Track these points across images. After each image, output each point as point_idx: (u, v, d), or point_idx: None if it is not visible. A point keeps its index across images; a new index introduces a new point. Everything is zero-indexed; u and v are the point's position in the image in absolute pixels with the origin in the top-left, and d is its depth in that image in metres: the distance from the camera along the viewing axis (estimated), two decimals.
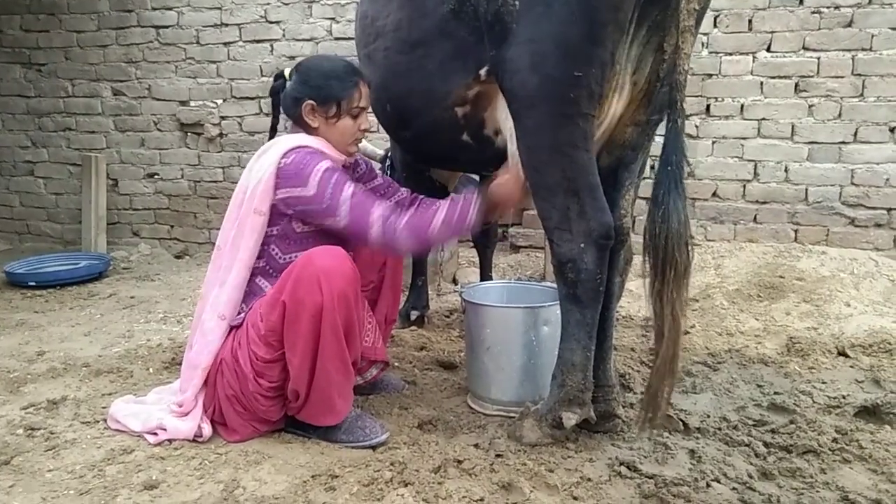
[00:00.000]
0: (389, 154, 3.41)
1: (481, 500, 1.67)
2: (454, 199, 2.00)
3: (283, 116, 2.21)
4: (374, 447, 1.98)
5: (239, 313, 2.03)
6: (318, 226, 2.00)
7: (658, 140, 1.98)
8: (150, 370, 2.65)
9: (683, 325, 1.82)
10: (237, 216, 2.02)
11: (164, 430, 2.00)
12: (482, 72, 2.00)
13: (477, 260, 3.59)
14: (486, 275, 3.51)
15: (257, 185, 1.97)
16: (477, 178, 3.42)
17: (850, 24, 3.71)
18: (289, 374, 1.93)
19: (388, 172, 3.41)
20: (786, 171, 3.92)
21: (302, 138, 2.06)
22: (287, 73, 2.15)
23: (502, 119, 2.04)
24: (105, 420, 2.15)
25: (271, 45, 4.72)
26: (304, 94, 2.06)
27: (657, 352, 1.80)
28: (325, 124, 2.09)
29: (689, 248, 1.77)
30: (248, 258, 2.01)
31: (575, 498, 1.71)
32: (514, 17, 1.81)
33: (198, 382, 2.02)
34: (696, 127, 4.02)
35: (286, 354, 1.91)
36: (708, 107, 4.00)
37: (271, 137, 2.22)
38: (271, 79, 4.66)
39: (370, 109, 2.21)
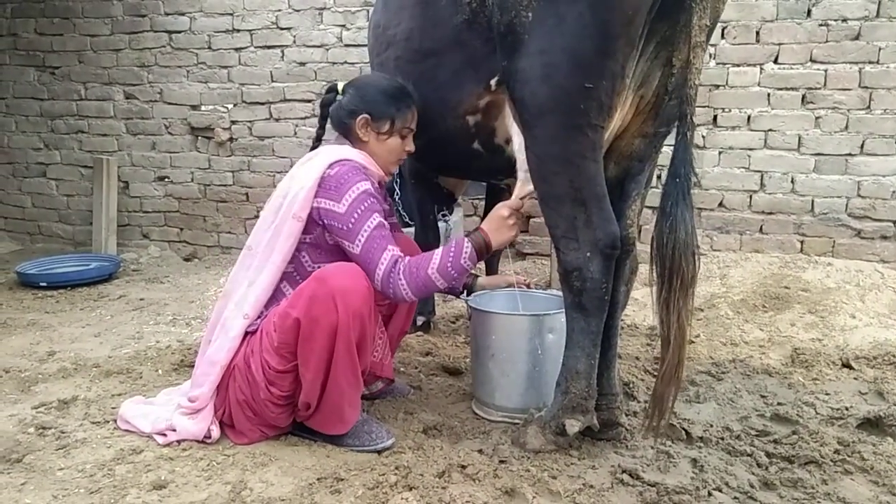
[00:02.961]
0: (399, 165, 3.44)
1: None
2: (447, 246, 2.01)
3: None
4: (379, 451, 2.00)
5: (258, 318, 2.05)
6: (337, 244, 2.02)
7: (665, 151, 2.01)
8: (160, 372, 2.68)
9: (689, 333, 1.84)
10: (274, 219, 2.05)
11: (174, 430, 2.03)
12: (493, 81, 2.03)
13: (483, 266, 3.61)
14: None
15: (300, 191, 2.00)
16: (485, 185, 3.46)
17: (857, 37, 3.72)
18: (300, 384, 1.95)
19: (398, 181, 3.44)
20: (792, 182, 3.92)
21: (348, 151, 2.10)
22: (340, 87, 2.20)
23: (515, 128, 2.06)
24: (115, 420, 2.18)
25: (282, 52, 4.76)
26: (361, 107, 2.12)
27: (663, 358, 1.82)
28: (375, 140, 2.14)
29: (696, 257, 1.79)
30: (281, 261, 2.03)
31: None
32: (526, 29, 1.84)
33: (214, 379, 2.04)
34: (703, 137, 4.03)
35: (299, 368, 1.93)
36: (715, 117, 4.01)
37: (314, 147, 2.25)
38: (281, 84, 4.73)
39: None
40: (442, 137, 2.29)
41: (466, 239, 2.00)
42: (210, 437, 2.03)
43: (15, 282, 4.20)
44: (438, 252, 1.98)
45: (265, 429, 2.05)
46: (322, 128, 2.31)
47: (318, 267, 2.02)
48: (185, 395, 2.12)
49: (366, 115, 2.11)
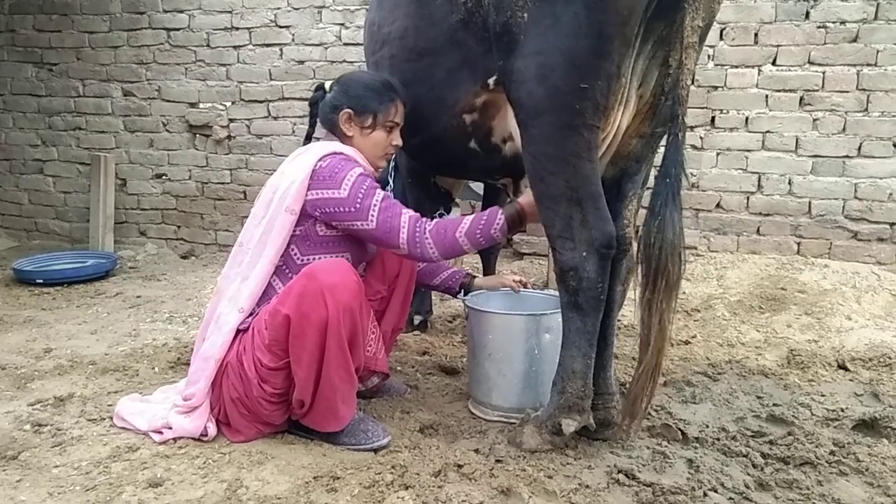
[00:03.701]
0: (395, 158, 3.44)
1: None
2: (478, 213, 2.04)
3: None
4: (375, 450, 2.00)
5: (251, 315, 2.05)
6: (346, 230, 2.04)
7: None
8: (156, 369, 2.68)
9: (669, 335, 1.84)
10: (265, 214, 2.06)
11: (170, 428, 2.03)
12: (490, 81, 2.03)
13: (480, 266, 3.61)
14: None
15: (291, 185, 2.01)
16: (481, 185, 3.46)
17: (855, 40, 3.73)
18: (293, 381, 1.95)
19: (393, 177, 3.44)
20: (789, 183, 3.93)
21: (337, 145, 2.13)
22: (328, 85, 2.24)
23: (514, 127, 2.06)
24: (111, 418, 2.18)
25: (280, 50, 4.76)
26: (343, 102, 2.15)
27: (640, 360, 1.83)
28: (359, 134, 2.16)
29: (682, 259, 1.80)
30: (274, 255, 2.04)
31: None
32: (522, 29, 1.84)
33: (210, 374, 2.03)
34: (701, 139, 4.04)
35: (291, 366, 1.93)
36: (713, 119, 4.02)
37: (305, 145, 2.27)
38: (280, 82, 4.73)
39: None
40: (438, 136, 2.29)
41: (500, 209, 2.03)
42: (206, 435, 2.03)
43: (11, 278, 4.19)
44: (469, 217, 2.02)
45: (261, 426, 2.05)
46: (312, 126, 2.34)
47: (308, 260, 2.03)
48: (180, 393, 2.12)
49: (348, 110, 2.13)
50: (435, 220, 2.02)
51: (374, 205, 1.99)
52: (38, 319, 3.40)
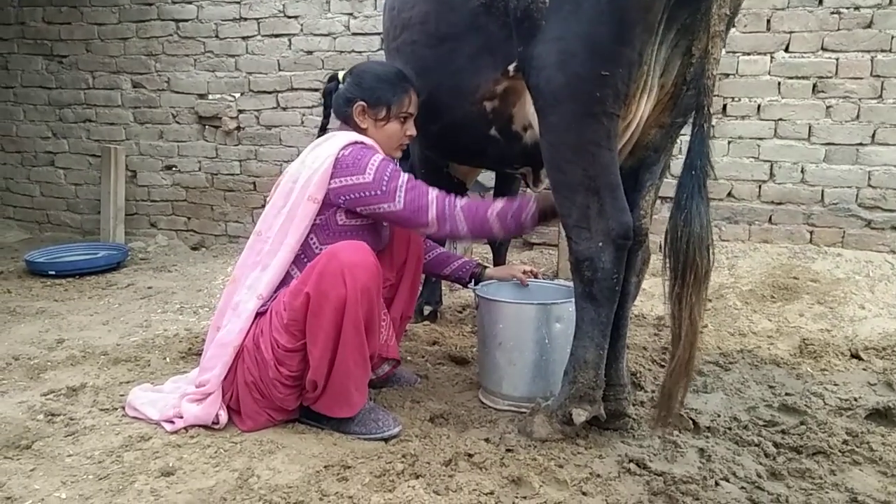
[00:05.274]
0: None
1: (491, 493, 1.69)
2: (511, 198, 2.07)
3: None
4: (386, 439, 2.01)
5: (270, 300, 2.06)
6: (371, 214, 2.05)
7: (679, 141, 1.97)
8: (167, 359, 2.69)
9: (701, 328, 1.82)
10: (285, 203, 2.07)
11: (182, 417, 2.04)
12: (511, 67, 2.01)
13: (490, 256, 3.60)
14: None
15: (313, 174, 2.03)
16: (491, 178, 3.44)
17: (869, 25, 3.67)
18: (308, 364, 1.96)
19: (399, 166, 3.43)
20: (802, 172, 3.89)
21: (356, 135, 2.14)
22: (340, 75, 2.25)
23: (534, 115, 2.03)
24: (123, 407, 2.20)
25: (289, 40, 4.75)
26: (357, 95, 2.16)
27: (673, 354, 1.80)
28: (373, 126, 2.18)
29: (711, 252, 1.76)
30: (295, 243, 2.06)
31: (584, 493, 1.72)
32: (543, 15, 1.82)
33: (227, 361, 2.04)
34: (713, 127, 3.99)
35: (307, 346, 1.94)
36: (725, 106, 3.97)
37: (320, 136, 2.28)
38: (289, 73, 4.72)
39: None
40: (458, 123, 2.27)
41: (534, 198, 2.05)
42: (218, 423, 2.04)
43: (24, 270, 4.22)
44: (502, 199, 2.05)
45: (272, 412, 2.06)
46: (326, 117, 2.35)
47: (326, 248, 2.03)
48: (192, 383, 2.13)
49: (362, 103, 2.14)
50: (468, 199, 2.04)
51: (401, 186, 2.01)
52: (51, 311, 3.42)
